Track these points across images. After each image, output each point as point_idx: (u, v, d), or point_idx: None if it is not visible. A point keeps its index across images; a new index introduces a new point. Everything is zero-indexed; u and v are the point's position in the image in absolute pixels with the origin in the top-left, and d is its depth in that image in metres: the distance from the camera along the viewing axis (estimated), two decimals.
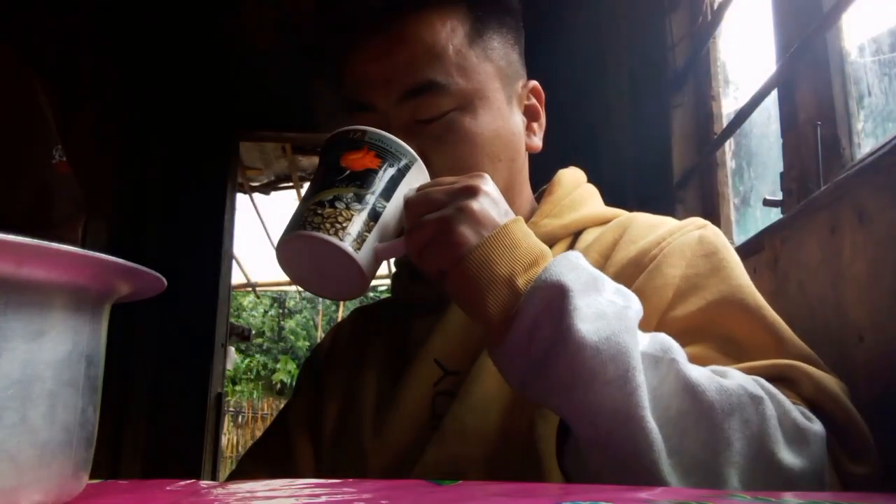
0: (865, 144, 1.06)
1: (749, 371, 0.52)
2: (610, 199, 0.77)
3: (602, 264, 0.65)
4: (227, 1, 2.71)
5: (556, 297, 0.47)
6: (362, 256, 0.53)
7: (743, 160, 1.63)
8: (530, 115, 0.74)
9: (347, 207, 0.54)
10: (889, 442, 0.53)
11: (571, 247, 0.69)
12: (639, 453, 0.44)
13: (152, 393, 2.77)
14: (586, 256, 0.63)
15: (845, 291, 0.77)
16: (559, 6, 2.18)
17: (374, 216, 0.55)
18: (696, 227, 0.65)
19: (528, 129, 0.73)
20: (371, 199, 0.55)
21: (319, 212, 0.54)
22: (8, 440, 0.30)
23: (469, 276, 0.50)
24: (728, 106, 1.69)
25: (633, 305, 0.49)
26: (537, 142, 0.74)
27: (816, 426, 0.50)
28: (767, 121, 1.43)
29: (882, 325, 0.70)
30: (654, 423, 0.45)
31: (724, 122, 1.64)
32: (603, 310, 0.47)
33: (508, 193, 0.66)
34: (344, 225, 0.53)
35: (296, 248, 0.55)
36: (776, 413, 0.48)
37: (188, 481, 0.45)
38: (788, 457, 0.47)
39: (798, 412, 0.50)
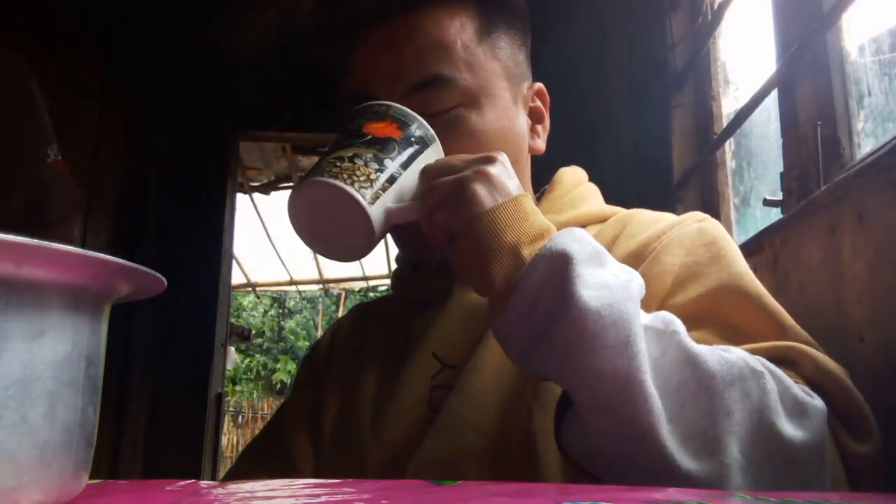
0: (865, 144, 1.06)
1: (751, 352, 0.52)
2: (610, 199, 0.77)
3: None
4: (227, 0, 2.71)
5: (559, 265, 0.47)
6: (374, 212, 0.54)
7: (743, 160, 1.64)
8: (535, 117, 0.74)
9: (366, 165, 0.55)
10: (889, 442, 0.53)
11: None
12: (638, 417, 0.44)
13: (152, 393, 2.77)
14: None
15: (845, 291, 0.77)
16: (559, 6, 2.18)
17: (391, 180, 0.55)
18: (696, 220, 0.66)
19: (532, 130, 0.74)
20: (389, 163, 0.56)
21: (339, 164, 0.55)
22: (8, 440, 0.30)
23: (477, 240, 0.51)
24: (728, 106, 1.69)
25: (636, 279, 0.50)
26: (541, 144, 0.74)
27: (817, 402, 0.50)
28: (767, 121, 1.43)
29: (882, 325, 0.70)
30: (654, 389, 0.45)
31: (724, 122, 1.65)
32: (606, 280, 0.47)
33: None
34: (360, 178, 0.54)
35: (310, 196, 0.55)
36: (777, 388, 0.48)
37: (188, 481, 0.45)
38: (789, 429, 0.47)
39: (799, 389, 0.50)
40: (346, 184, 0.53)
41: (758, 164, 1.55)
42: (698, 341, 0.51)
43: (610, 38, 2.13)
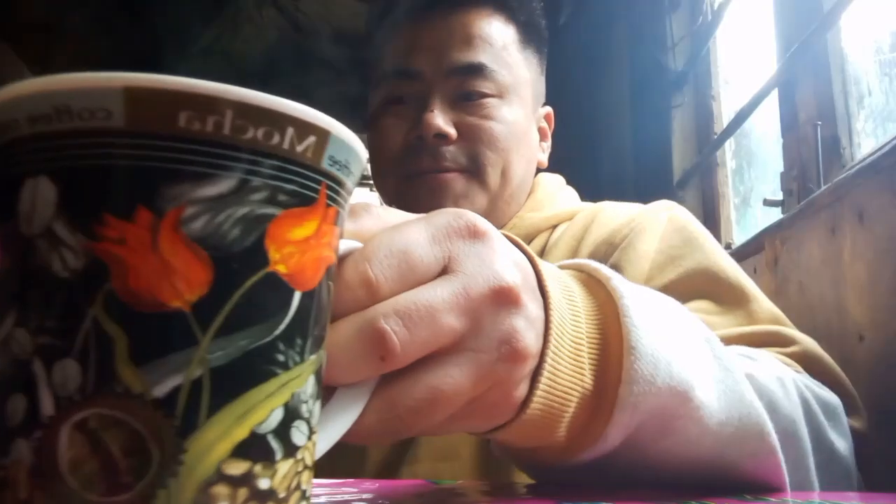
0: (865, 144, 1.06)
1: (740, 337, 0.52)
2: (610, 199, 0.78)
3: (575, 247, 0.68)
4: (227, 1, 2.71)
5: (672, 405, 0.33)
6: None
7: (743, 160, 1.64)
8: (541, 135, 0.79)
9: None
10: (889, 442, 0.53)
11: (549, 238, 0.72)
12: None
13: None
14: (560, 244, 0.67)
15: (845, 291, 0.77)
16: (560, 6, 2.18)
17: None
18: (665, 209, 0.68)
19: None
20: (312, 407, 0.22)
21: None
22: None
23: (531, 423, 0.31)
24: (728, 106, 1.69)
25: (712, 338, 0.37)
26: (544, 158, 0.79)
27: (832, 397, 0.49)
28: (767, 121, 1.43)
29: (882, 325, 0.70)
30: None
31: (724, 122, 1.65)
32: (710, 373, 0.35)
33: (518, 190, 0.70)
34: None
35: None
36: (807, 392, 0.46)
37: None
38: (838, 441, 0.46)
39: (815, 385, 0.48)
40: None
41: (758, 164, 1.55)
42: None
43: (610, 38, 2.13)
